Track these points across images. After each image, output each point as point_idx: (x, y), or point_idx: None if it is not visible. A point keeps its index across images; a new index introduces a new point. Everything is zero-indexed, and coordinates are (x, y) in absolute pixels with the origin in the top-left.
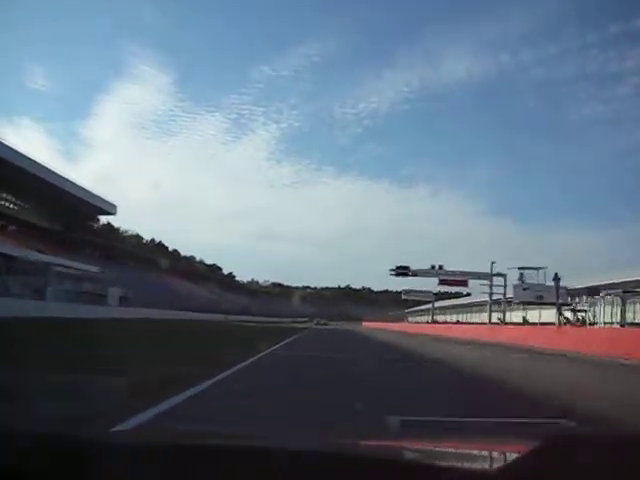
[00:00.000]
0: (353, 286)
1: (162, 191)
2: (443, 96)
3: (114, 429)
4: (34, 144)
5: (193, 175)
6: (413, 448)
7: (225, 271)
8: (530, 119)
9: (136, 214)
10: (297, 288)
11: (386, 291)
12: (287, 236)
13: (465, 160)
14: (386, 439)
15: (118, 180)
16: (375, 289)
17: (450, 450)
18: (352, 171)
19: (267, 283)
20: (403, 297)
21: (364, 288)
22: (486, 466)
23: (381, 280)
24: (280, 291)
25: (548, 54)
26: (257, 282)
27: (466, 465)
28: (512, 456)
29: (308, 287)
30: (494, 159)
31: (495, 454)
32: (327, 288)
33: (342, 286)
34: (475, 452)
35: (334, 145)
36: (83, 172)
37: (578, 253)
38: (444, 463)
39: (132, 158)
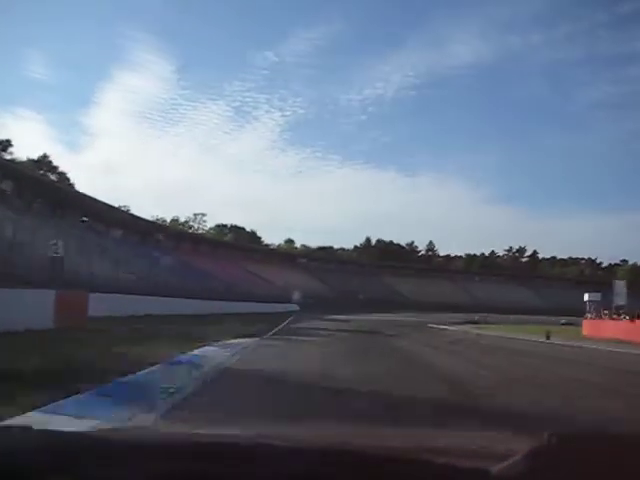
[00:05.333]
0: None
1: (165, 181)
2: (450, 81)
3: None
4: (35, 135)
5: (197, 165)
6: (412, 447)
7: None
8: (537, 103)
9: (139, 204)
10: None
11: None
12: (294, 227)
13: (471, 146)
14: (386, 438)
15: (120, 169)
16: None
17: (450, 449)
18: (357, 159)
19: None
20: None
21: None
22: (486, 465)
23: None
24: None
25: (557, 35)
26: None
27: (466, 464)
28: (512, 456)
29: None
30: (501, 145)
31: (495, 453)
32: None
33: None
34: (475, 451)
35: (339, 133)
36: (85, 161)
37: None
38: (444, 462)
39: (135, 147)
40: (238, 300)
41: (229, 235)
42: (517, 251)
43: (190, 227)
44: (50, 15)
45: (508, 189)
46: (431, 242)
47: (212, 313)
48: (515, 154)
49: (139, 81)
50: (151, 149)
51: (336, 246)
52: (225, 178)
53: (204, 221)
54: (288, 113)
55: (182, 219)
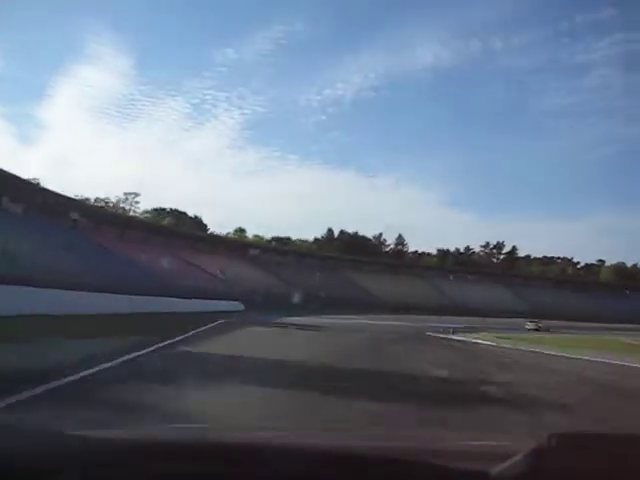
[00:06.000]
0: None
1: (122, 178)
2: (409, 83)
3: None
4: None
5: (154, 162)
6: (413, 447)
7: None
8: (497, 109)
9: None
10: None
11: None
12: (248, 225)
13: (429, 150)
14: (386, 439)
15: (75, 164)
16: None
17: (450, 449)
18: (316, 159)
19: None
20: None
21: None
22: (485, 466)
23: None
24: None
25: (516, 43)
26: None
27: (466, 465)
28: (512, 456)
29: None
30: (459, 149)
31: (495, 454)
32: None
33: None
34: (475, 451)
35: (298, 132)
36: (39, 155)
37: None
38: (444, 462)
39: (90, 142)
40: (169, 295)
41: (167, 220)
42: (494, 247)
43: (121, 209)
44: (2, 4)
45: (464, 192)
46: (400, 235)
47: (116, 313)
48: (472, 158)
49: (96, 75)
50: (108, 144)
51: (294, 237)
52: (183, 175)
53: (136, 202)
54: (248, 112)
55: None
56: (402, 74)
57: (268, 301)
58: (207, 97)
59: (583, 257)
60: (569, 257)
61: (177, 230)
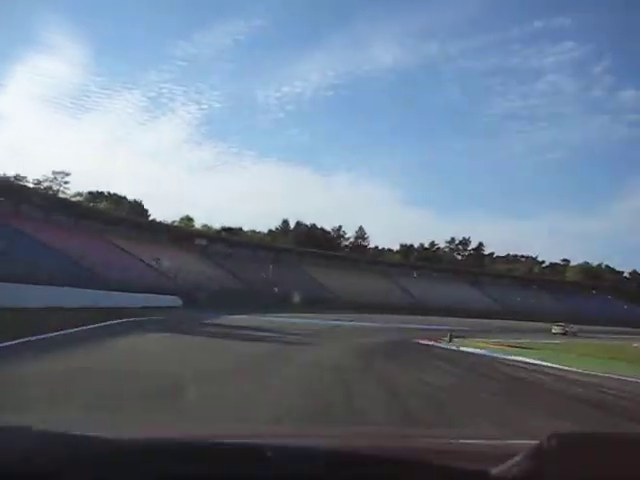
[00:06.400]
0: None
1: (74, 171)
2: (368, 83)
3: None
4: None
5: (108, 154)
6: (413, 447)
7: None
8: (452, 111)
9: None
10: None
11: None
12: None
13: (388, 149)
14: (386, 439)
15: (27, 154)
16: None
17: (450, 449)
18: (274, 156)
19: None
20: None
21: None
22: (486, 466)
23: None
24: None
25: (472, 46)
26: None
27: (466, 465)
28: (512, 456)
29: None
30: (418, 149)
31: (495, 454)
32: None
33: None
34: (475, 451)
35: (256, 129)
36: None
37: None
38: (444, 462)
39: (43, 132)
40: (97, 288)
41: (104, 204)
42: (460, 243)
43: (47, 190)
44: None
45: (423, 191)
46: (361, 228)
47: None
48: (431, 158)
49: (50, 64)
50: (61, 135)
51: (247, 228)
52: (137, 169)
53: (66, 182)
54: (205, 107)
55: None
56: (362, 74)
57: (215, 297)
58: (164, 91)
59: (546, 256)
60: (533, 256)
61: (113, 215)
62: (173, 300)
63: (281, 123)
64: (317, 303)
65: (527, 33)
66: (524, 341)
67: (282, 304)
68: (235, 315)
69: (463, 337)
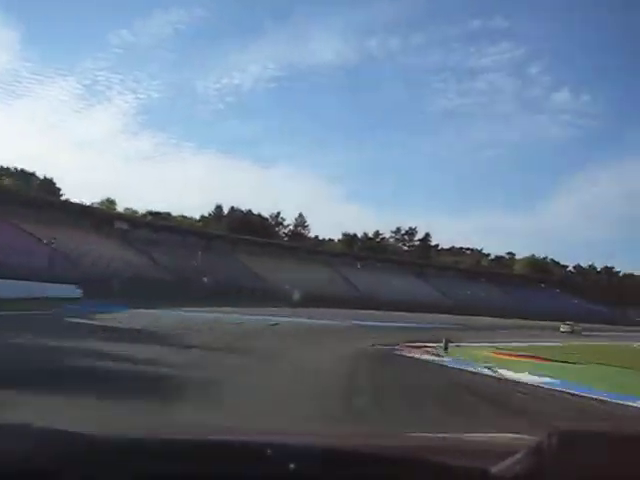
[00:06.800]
0: None
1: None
2: (310, 77)
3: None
4: None
5: (39, 143)
6: (413, 447)
7: None
8: (394, 106)
9: None
10: None
11: None
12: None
13: (329, 144)
14: (385, 439)
15: None
16: None
17: (450, 448)
18: (213, 148)
19: None
20: None
21: None
22: (487, 464)
23: None
24: None
25: (412, 43)
26: None
27: (467, 463)
28: (513, 454)
29: None
30: (356, 144)
31: (495, 453)
32: None
33: None
34: (475, 450)
35: (196, 120)
36: None
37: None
38: (444, 461)
39: None
40: None
41: (9, 180)
42: (406, 233)
43: None
44: None
45: (364, 186)
46: (301, 215)
47: None
48: (370, 154)
49: None
50: None
51: (175, 213)
52: (70, 158)
53: None
54: (143, 96)
55: None
56: (304, 68)
57: (131, 287)
58: (100, 79)
59: (491, 249)
60: (479, 249)
61: (15, 193)
62: (68, 290)
63: (221, 114)
64: (252, 295)
65: (466, 33)
66: (545, 345)
67: (212, 296)
68: (142, 309)
69: (458, 343)
